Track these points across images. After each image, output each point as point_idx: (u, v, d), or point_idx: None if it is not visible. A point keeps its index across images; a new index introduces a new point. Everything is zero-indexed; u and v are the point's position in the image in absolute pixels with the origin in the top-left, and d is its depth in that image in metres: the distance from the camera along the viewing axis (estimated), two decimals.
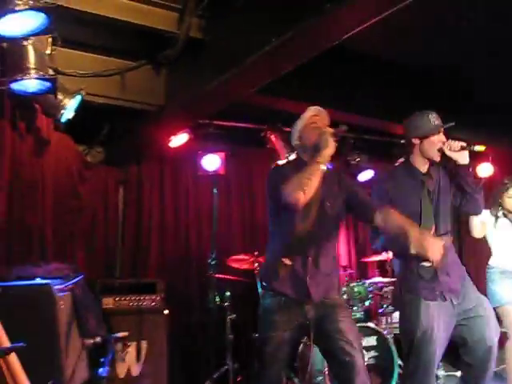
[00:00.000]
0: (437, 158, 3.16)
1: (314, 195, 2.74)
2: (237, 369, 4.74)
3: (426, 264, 3.02)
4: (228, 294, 4.81)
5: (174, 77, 4.19)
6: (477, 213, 3.38)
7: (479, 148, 3.11)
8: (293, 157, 3.32)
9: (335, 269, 3.04)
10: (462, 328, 3.06)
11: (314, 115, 2.98)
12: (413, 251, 2.70)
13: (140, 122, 4.65)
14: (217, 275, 4.82)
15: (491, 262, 4.43)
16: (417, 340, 2.99)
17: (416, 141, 3.17)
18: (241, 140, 5.81)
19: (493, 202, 4.40)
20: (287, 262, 2.82)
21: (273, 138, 5.54)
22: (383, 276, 5.49)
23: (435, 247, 2.67)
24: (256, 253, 4.90)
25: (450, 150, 3.12)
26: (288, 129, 5.56)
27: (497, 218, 4.40)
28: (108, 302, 4.33)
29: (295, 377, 4.47)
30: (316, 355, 4.37)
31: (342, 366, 2.74)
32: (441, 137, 3.14)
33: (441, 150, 3.14)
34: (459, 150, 3.11)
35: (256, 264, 4.86)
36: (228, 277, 4.87)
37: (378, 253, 5.42)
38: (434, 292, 3.04)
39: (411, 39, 4.37)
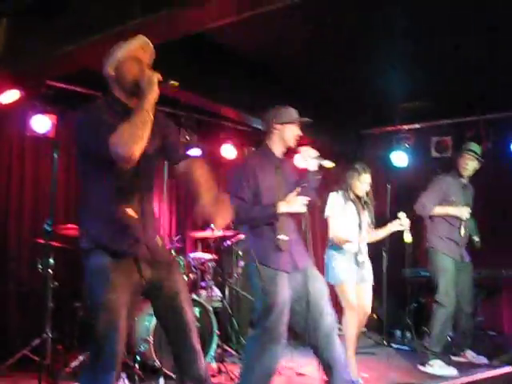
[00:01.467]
0: (293, 144, 3.70)
1: None
2: (56, 338, 4.65)
3: (283, 237, 3.49)
4: (51, 261, 4.65)
5: (19, 30, 3.94)
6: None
7: (328, 164, 3.69)
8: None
9: (156, 220, 2.84)
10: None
11: (140, 47, 2.59)
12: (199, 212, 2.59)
13: None
14: (39, 240, 4.65)
15: (333, 241, 4.58)
16: (272, 308, 3.40)
17: (278, 127, 3.66)
18: (73, 104, 5.61)
19: (345, 185, 4.64)
20: (128, 212, 2.55)
21: None
22: (205, 252, 5.76)
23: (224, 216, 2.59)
24: None
25: (304, 154, 3.69)
26: None
27: (346, 199, 4.61)
28: None
29: None
30: (139, 323, 4.53)
31: (180, 326, 2.67)
32: (297, 128, 3.69)
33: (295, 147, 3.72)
34: (312, 158, 3.68)
35: None
36: (54, 243, 4.67)
37: (201, 229, 5.71)
38: (289, 263, 3.51)
39: (261, 34, 4.64)
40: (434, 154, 6.74)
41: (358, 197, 4.67)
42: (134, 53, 2.56)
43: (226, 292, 5.67)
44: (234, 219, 3.43)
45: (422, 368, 5.04)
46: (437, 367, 4.94)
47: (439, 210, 5.21)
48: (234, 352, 5.19)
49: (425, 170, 6.15)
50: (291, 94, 6.04)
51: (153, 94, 2.43)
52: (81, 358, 4.43)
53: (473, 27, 4.57)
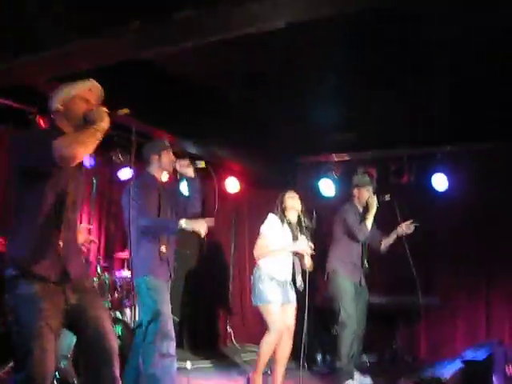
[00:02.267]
0: (170, 169, 4.32)
1: (70, 173, 2.77)
2: None
3: (164, 249, 4.02)
4: None
5: None
6: (197, 210, 4.36)
7: (201, 164, 4.29)
8: None
9: (80, 249, 3.11)
10: None
11: (89, 89, 2.84)
12: None
13: None
14: None
15: (261, 263, 4.78)
16: (161, 314, 3.91)
17: (155, 157, 4.23)
18: (6, 119, 5.59)
19: (278, 206, 4.92)
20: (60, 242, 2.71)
21: (42, 122, 5.46)
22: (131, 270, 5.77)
23: None
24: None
25: (180, 166, 4.25)
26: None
27: (282, 222, 4.86)
28: None
29: None
30: (60, 340, 4.50)
31: (100, 351, 2.75)
32: (171, 154, 4.28)
33: (173, 166, 4.27)
34: (187, 166, 4.23)
35: None
36: None
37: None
38: (167, 272, 4.09)
39: (198, 64, 4.83)
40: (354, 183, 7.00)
41: (292, 221, 4.91)
42: (83, 93, 2.80)
43: None
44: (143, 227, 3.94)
45: None
46: None
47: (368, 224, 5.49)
48: None
49: None
50: (227, 122, 6.23)
51: (103, 124, 2.66)
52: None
53: (397, 66, 4.89)
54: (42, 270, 2.63)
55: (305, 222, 4.91)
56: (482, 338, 6.30)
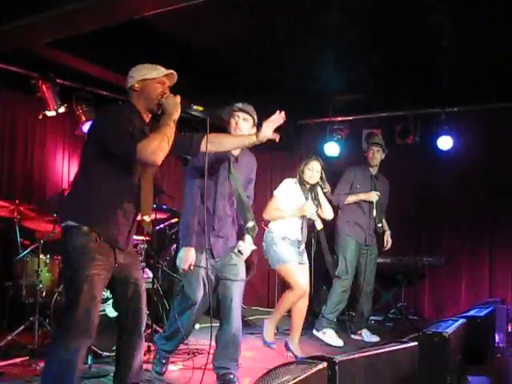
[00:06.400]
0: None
1: None
2: None
3: None
4: None
5: None
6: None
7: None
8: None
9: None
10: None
11: (168, 75, 2.96)
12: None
13: None
14: None
15: (272, 226, 4.74)
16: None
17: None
18: (5, 83, 5.58)
19: (297, 173, 4.82)
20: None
21: (44, 87, 5.44)
22: (137, 234, 5.81)
23: None
24: (17, 201, 4.85)
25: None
26: (60, 80, 5.60)
27: (300, 187, 4.78)
28: None
29: None
30: None
31: (134, 311, 2.99)
32: None
33: None
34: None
35: (16, 213, 4.83)
36: None
37: None
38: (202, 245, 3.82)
39: (201, 21, 4.76)
40: (364, 145, 7.01)
41: (311, 186, 4.81)
42: (162, 78, 2.91)
43: (159, 274, 5.75)
44: None
45: (315, 333, 5.55)
46: (327, 336, 5.48)
47: (351, 198, 5.73)
48: None
49: (356, 160, 6.39)
50: (230, 86, 6.17)
51: (177, 114, 2.82)
52: (9, 337, 4.46)
53: (406, 26, 4.83)
54: (104, 230, 2.82)
55: (321, 186, 4.81)
56: (484, 297, 6.36)
